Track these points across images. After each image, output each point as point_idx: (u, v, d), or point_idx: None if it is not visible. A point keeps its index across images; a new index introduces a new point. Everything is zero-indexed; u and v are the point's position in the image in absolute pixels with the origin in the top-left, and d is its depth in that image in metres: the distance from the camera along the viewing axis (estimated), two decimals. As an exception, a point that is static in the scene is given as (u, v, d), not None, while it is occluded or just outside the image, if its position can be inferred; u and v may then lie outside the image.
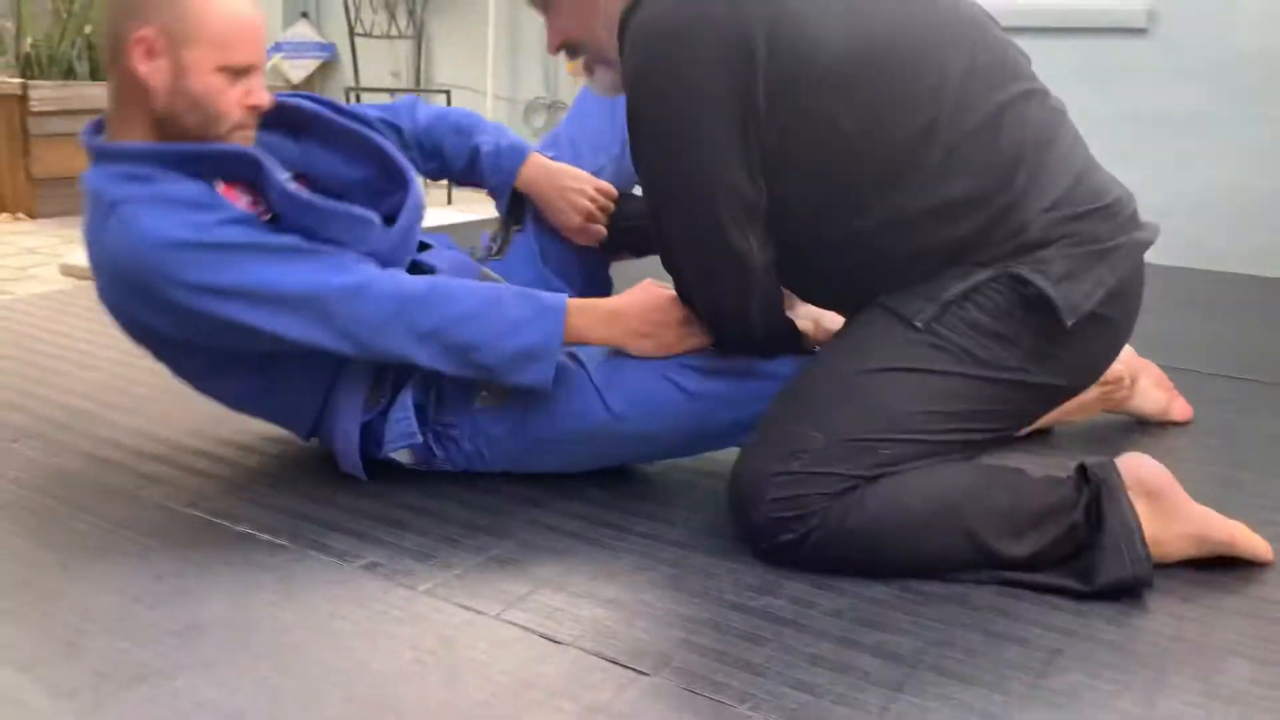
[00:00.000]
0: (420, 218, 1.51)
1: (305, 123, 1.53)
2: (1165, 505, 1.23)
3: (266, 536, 1.32)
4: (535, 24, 4.22)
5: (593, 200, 1.66)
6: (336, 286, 1.31)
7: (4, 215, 3.68)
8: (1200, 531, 1.25)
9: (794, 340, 1.39)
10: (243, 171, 1.37)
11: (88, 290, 2.65)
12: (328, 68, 4.81)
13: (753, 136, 1.19)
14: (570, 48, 1.36)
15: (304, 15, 4.79)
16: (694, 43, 1.16)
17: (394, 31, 4.44)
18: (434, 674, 1.03)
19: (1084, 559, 1.21)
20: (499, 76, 4.38)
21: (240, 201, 1.37)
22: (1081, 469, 1.24)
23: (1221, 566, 1.27)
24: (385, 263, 1.40)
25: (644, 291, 1.39)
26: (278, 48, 4.64)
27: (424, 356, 1.33)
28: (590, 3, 1.30)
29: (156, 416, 1.73)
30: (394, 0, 4.42)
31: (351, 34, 4.36)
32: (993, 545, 1.20)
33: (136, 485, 1.46)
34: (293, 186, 1.38)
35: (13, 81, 3.59)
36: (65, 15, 3.78)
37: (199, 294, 1.28)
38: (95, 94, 3.77)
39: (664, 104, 1.19)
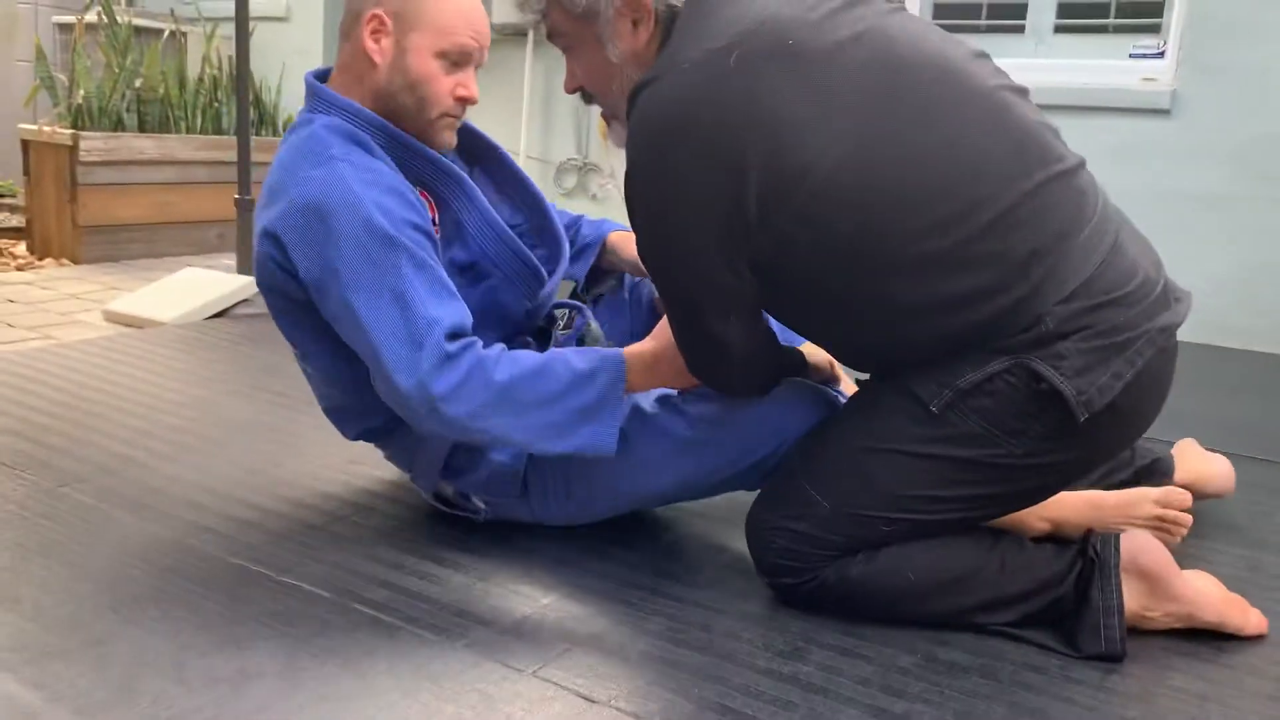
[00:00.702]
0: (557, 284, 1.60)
1: (482, 152, 1.66)
2: (1158, 587, 1.30)
3: (309, 587, 1.36)
4: (569, 88, 4.33)
5: None
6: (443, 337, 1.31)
7: (49, 261, 3.78)
8: (1189, 612, 1.31)
9: (798, 373, 1.44)
10: (443, 187, 1.47)
11: (131, 336, 2.73)
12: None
13: (741, 239, 1.18)
14: (585, 95, 1.37)
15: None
16: (686, 146, 1.14)
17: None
18: (474, 729, 1.07)
19: (1066, 626, 1.29)
20: (532, 137, 4.49)
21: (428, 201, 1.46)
22: (1084, 541, 1.31)
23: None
24: (526, 319, 1.52)
25: (666, 332, 1.38)
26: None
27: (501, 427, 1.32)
28: (607, 64, 1.29)
29: (202, 465, 1.78)
30: None
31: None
32: (978, 617, 1.31)
33: (183, 533, 1.51)
34: (494, 216, 1.48)
35: (64, 132, 3.72)
36: (117, 70, 3.91)
37: (350, 264, 1.31)
38: (144, 145, 3.89)
39: (654, 194, 1.19)
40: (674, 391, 1.43)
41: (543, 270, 1.52)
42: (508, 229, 1.50)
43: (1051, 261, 1.17)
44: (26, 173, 3.89)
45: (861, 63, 1.15)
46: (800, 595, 1.32)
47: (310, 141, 1.38)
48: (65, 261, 3.77)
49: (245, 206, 3.28)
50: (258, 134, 4.40)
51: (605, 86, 1.32)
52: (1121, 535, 1.30)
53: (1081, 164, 1.26)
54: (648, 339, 1.38)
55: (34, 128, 3.82)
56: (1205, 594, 1.32)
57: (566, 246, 1.62)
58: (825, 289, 1.22)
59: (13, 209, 4.37)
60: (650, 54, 1.26)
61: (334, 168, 1.34)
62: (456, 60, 1.44)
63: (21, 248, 3.92)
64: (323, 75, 1.52)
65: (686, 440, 1.40)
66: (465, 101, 1.46)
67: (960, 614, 1.30)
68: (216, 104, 4.22)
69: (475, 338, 1.33)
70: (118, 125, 3.93)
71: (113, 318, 2.98)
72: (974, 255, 1.16)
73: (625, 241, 1.70)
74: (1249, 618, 1.33)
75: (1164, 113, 3.26)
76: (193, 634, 1.23)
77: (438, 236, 1.43)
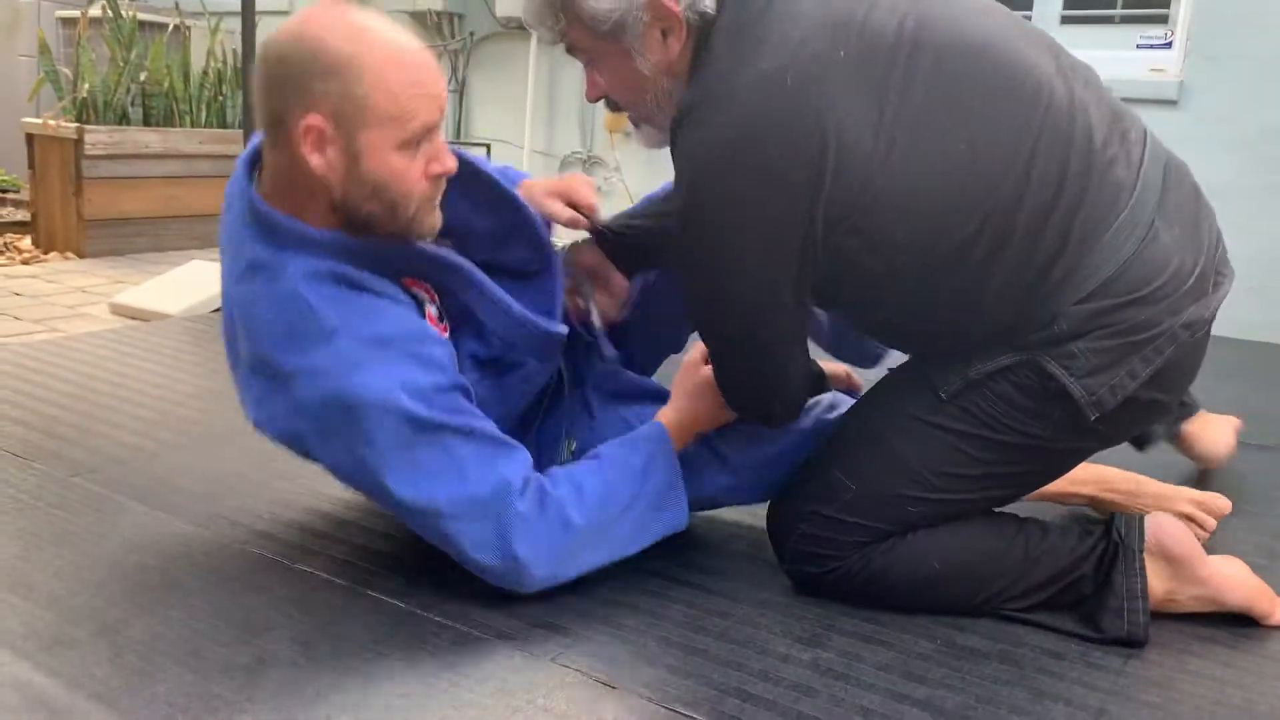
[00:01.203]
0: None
1: None
2: (1184, 570, 1.29)
3: (324, 575, 1.35)
4: (573, 82, 4.32)
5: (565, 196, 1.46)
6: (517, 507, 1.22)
7: (54, 254, 3.78)
8: (1215, 596, 1.30)
9: (823, 387, 1.44)
10: (444, 279, 1.30)
11: (139, 329, 2.72)
12: (369, 118, 4.92)
13: (810, 263, 1.16)
14: (611, 103, 1.32)
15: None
16: (755, 176, 1.11)
17: (438, 45, 4.57)
18: (492, 715, 1.06)
19: (1087, 607, 1.27)
20: (536, 131, 4.48)
21: (434, 321, 1.29)
22: (1108, 525, 1.30)
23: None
24: (541, 359, 1.39)
25: (693, 385, 1.37)
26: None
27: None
28: (637, 76, 1.23)
29: (213, 455, 1.77)
30: (438, 55, 4.54)
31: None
32: (997, 604, 1.30)
33: (197, 522, 1.50)
34: (506, 301, 1.32)
35: (69, 126, 3.71)
36: (121, 64, 3.91)
37: (393, 462, 1.18)
38: (147, 139, 3.88)
39: (720, 230, 1.15)
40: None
41: (563, 332, 1.40)
42: (522, 310, 1.34)
43: (1071, 262, 1.16)
44: (31, 166, 3.88)
45: (910, 63, 1.13)
46: (823, 584, 1.31)
47: (295, 307, 1.17)
48: (70, 255, 3.76)
49: (251, 199, 3.28)
50: (262, 128, 4.38)
51: (637, 97, 1.27)
52: (1146, 518, 1.29)
53: (1125, 149, 1.20)
54: (675, 399, 1.38)
55: (38, 122, 3.81)
56: (1232, 578, 1.31)
57: (548, 238, 1.47)
58: (870, 285, 1.21)
59: (17, 203, 4.37)
60: (683, 64, 1.22)
61: (339, 348, 1.15)
62: (421, 139, 1.19)
63: (26, 242, 3.91)
64: (254, 157, 1.28)
65: (730, 487, 1.43)
66: (443, 177, 1.23)
67: (984, 601, 1.29)
68: (221, 98, 4.21)
69: (538, 477, 1.25)
70: (122, 119, 3.92)
71: (119, 310, 2.98)
72: (1006, 257, 1.16)
73: (528, 190, 1.46)
74: (1276, 606, 1.32)
75: (1172, 103, 3.25)
76: (208, 621, 1.22)
77: (446, 336, 1.29)
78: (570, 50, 1.28)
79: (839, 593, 1.31)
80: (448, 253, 1.30)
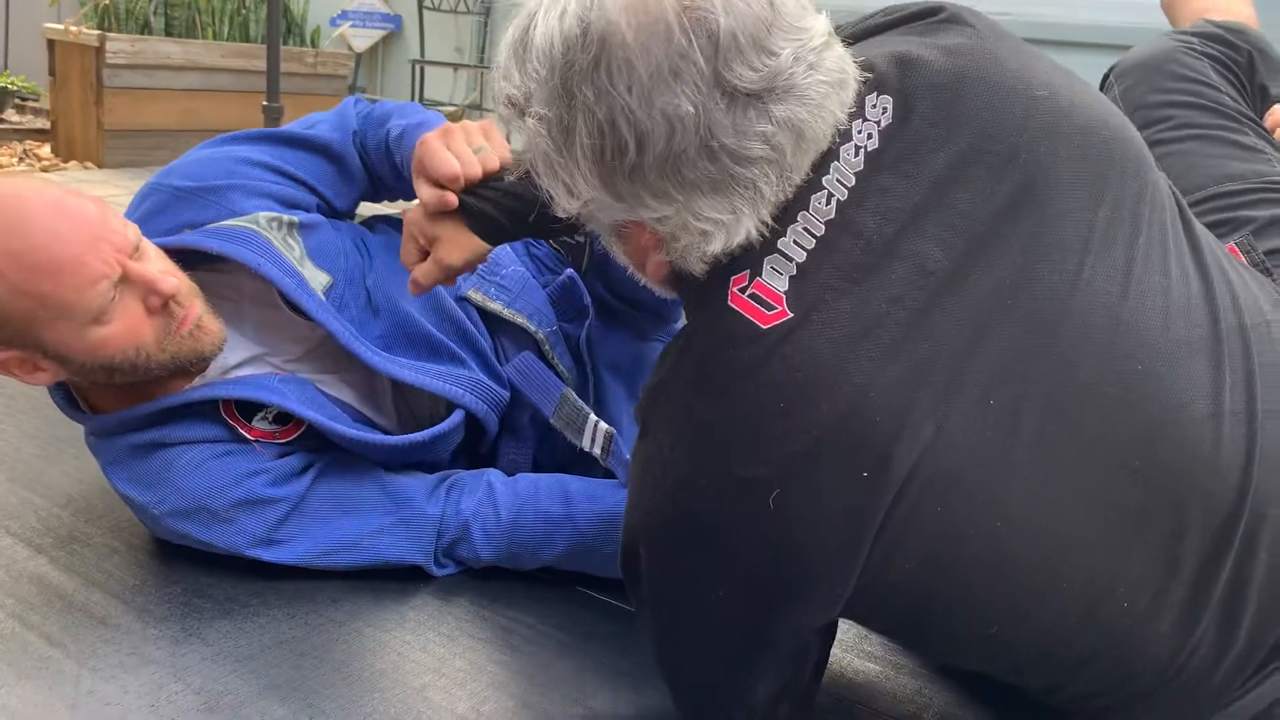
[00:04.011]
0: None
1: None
2: None
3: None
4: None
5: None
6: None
7: (73, 163, 3.76)
8: None
9: None
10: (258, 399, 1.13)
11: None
12: (392, 39, 4.85)
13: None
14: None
15: (373, -16, 4.84)
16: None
17: (462, 7, 4.48)
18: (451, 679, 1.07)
19: None
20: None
21: (268, 434, 1.14)
22: None
23: None
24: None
25: None
26: (344, 15, 4.69)
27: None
28: (641, 249, 0.79)
29: (228, 367, 1.78)
30: (459, 25, 4.46)
31: (420, 7, 4.40)
32: None
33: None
34: (363, 433, 1.15)
35: (90, 33, 3.66)
36: (144, -30, 3.85)
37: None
38: (170, 50, 3.84)
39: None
40: None
41: (420, 440, 1.18)
42: (377, 435, 1.16)
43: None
44: (52, 73, 3.84)
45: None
46: None
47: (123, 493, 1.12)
48: (90, 165, 3.74)
49: (273, 114, 3.24)
50: (285, 43, 4.33)
51: (624, 260, 0.85)
52: None
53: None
54: None
55: (59, 27, 3.77)
56: None
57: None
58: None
59: (37, 110, 4.34)
60: (671, 280, 0.81)
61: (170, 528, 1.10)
62: (109, 299, 0.99)
63: (46, 149, 3.89)
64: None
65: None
66: (167, 300, 1.03)
67: None
68: (245, 10, 4.15)
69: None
70: (144, 28, 3.87)
71: (138, 221, 2.96)
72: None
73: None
74: None
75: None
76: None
77: (293, 436, 1.14)
78: None
79: None
80: (243, 383, 1.12)
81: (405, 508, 1.14)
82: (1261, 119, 1.18)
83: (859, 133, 0.75)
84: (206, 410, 1.11)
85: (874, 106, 0.76)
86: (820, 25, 0.72)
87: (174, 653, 0.99)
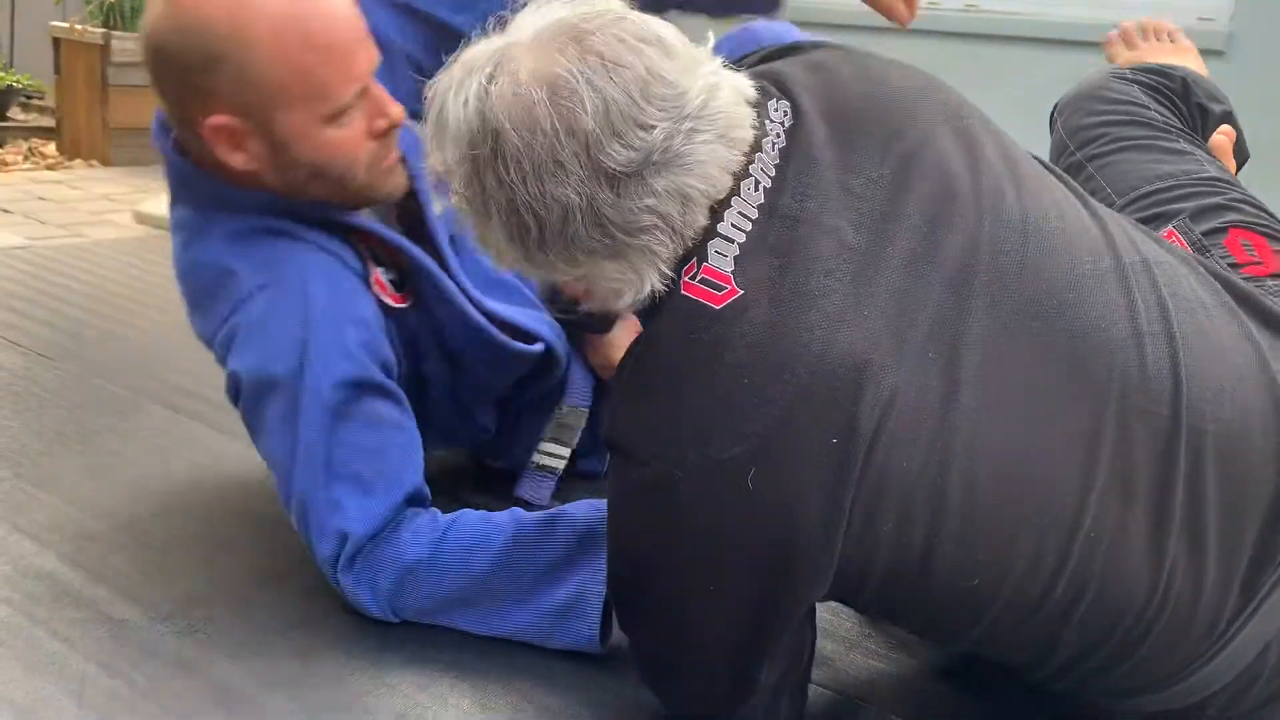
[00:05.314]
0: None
1: None
2: None
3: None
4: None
5: None
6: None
7: (79, 161, 3.76)
8: None
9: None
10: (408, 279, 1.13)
11: (163, 238, 2.71)
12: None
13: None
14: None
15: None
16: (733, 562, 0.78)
17: (466, 6, 4.49)
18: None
19: None
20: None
21: (385, 288, 1.12)
22: None
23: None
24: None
25: None
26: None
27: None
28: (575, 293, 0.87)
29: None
30: None
31: (424, 5, 4.41)
32: None
33: (218, 426, 1.51)
34: (477, 317, 1.16)
35: (95, 31, 3.67)
36: (149, -31, 3.85)
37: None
38: (173, 48, 3.84)
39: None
40: None
41: (534, 352, 1.23)
42: (480, 320, 1.17)
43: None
44: (57, 71, 3.85)
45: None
46: None
47: (214, 273, 1.08)
48: (95, 163, 3.75)
49: (277, 113, 3.25)
50: (289, 42, 4.34)
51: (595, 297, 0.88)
52: None
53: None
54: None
55: (65, 26, 3.78)
56: None
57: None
58: None
59: (42, 109, 4.34)
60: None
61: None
62: (353, 103, 1.01)
63: (51, 147, 3.90)
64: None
65: None
66: (390, 130, 1.05)
67: None
68: (249, 9, 4.16)
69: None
70: (149, 26, 3.88)
71: (144, 219, 2.97)
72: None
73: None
74: None
75: (1219, 54, 3.16)
76: (229, 523, 1.24)
77: (402, 305, 1.13)
78: None
79: None
80: (392, 234, 1.12)
81: (399, 486, 1.06)
82: (1205, 137, 1.26)
83: (772, 132, 0.82)
84: (347, 238, 1.09)
85: (776, 109, 0.84)
86: (705, 71, 0.78)
87: (180, 647, 1.00)
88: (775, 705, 0.87)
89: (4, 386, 1.59)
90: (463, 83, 0.77)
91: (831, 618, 1.12)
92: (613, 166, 0.74)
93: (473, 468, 1.42)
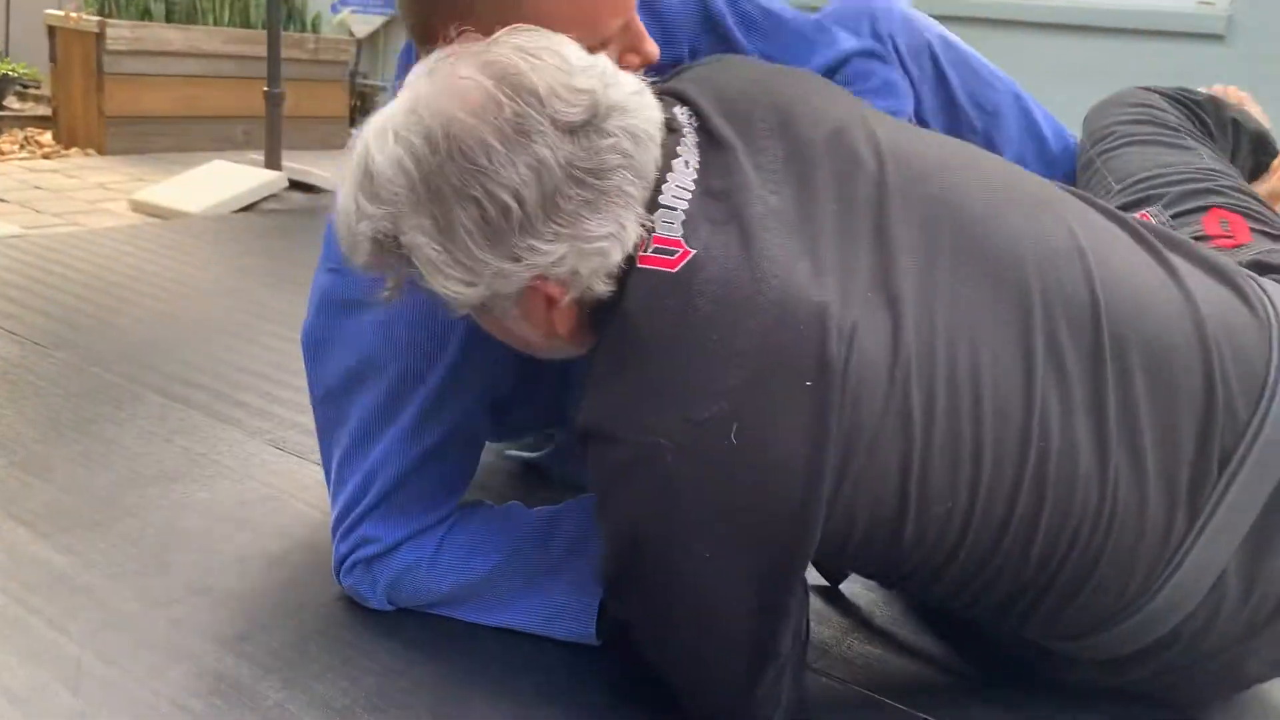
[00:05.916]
0: None
1: None
2: None
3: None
4: None
5: None
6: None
7: (75, 150, 3.75)
8: None
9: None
10: None
11: (159, 226, 2.71)
12: (394, 24, 4.84)
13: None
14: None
15: (373, -30, 4.82)
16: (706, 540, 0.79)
17: (463, -8, 4.47)
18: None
19: None
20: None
21: None
22: None
23: None
24: None
25: None
26: (345, 1, 4.67)
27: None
28: (523, 338, 0.89)
29: (232, 348, 1.78)
30: None
31: (421, -8, 4.39)
32: None
33: (214, 413, 1.51)
34: None
35: (91, 19, 3.66)
36: (144, -43, 3.84)
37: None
38: (170, 36, 3.83)
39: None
40: None
41: None
42: None
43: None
44: (53, 60, 3.84)
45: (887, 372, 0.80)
46: None
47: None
48: (91, 152, 3.74)
49: (274, 100, 3.24)
50: (285, 29, 4.32)
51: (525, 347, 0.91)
52: None
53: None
54: None
55: (60, 14, 3.77)
56: None
57: None
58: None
59: (38, 98, 4.33)
60: (582, 328, 0.86)
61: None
62: (614, 36, 0.94)
63: (47, 136, 3.89)
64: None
65: None
66: (648, 58, 0.97)
67: None
68: (244, -4, 4.14)
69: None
70: (144, 14, 3.86)
71: (139, 208, 2.96)
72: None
73: None
74: None
75: (1219, 38, 3.15)
76: (224, 511, 1.23)
77: None
78: None
79: None
80: None
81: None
82: (1234, 149, 1.32)
83: (684, 125, 0.88)
84: None
85: (682, 111, 0.90)
86: (600, 63, 0.82)
87: (175, 636, 0.99)
88: (778, 685, 0.86)
89: (0, 375, 1.59)
90: (381, 131, 0.79)
91: (824, 607, 1.12)
92: (569, 119, 0.77)
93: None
